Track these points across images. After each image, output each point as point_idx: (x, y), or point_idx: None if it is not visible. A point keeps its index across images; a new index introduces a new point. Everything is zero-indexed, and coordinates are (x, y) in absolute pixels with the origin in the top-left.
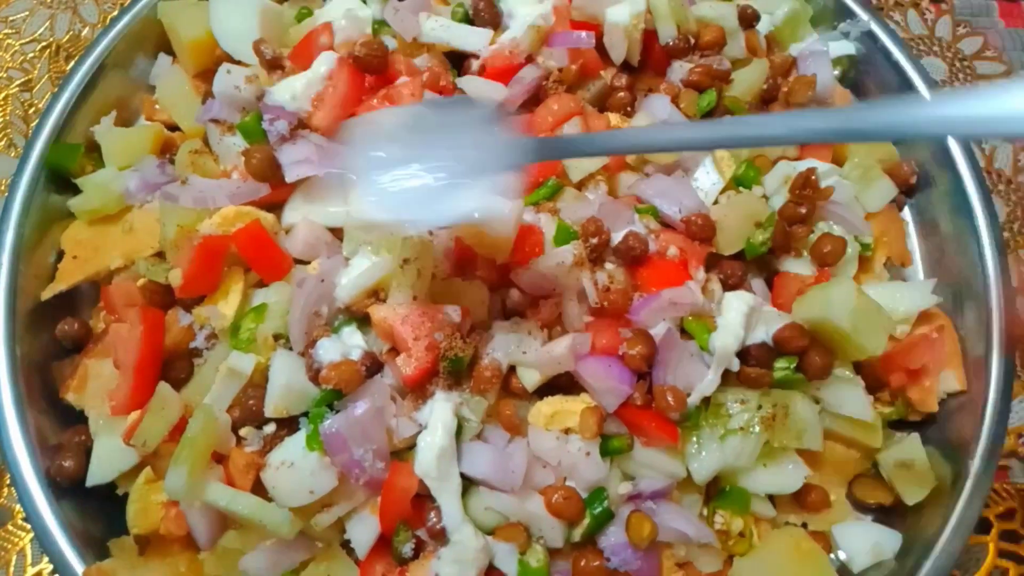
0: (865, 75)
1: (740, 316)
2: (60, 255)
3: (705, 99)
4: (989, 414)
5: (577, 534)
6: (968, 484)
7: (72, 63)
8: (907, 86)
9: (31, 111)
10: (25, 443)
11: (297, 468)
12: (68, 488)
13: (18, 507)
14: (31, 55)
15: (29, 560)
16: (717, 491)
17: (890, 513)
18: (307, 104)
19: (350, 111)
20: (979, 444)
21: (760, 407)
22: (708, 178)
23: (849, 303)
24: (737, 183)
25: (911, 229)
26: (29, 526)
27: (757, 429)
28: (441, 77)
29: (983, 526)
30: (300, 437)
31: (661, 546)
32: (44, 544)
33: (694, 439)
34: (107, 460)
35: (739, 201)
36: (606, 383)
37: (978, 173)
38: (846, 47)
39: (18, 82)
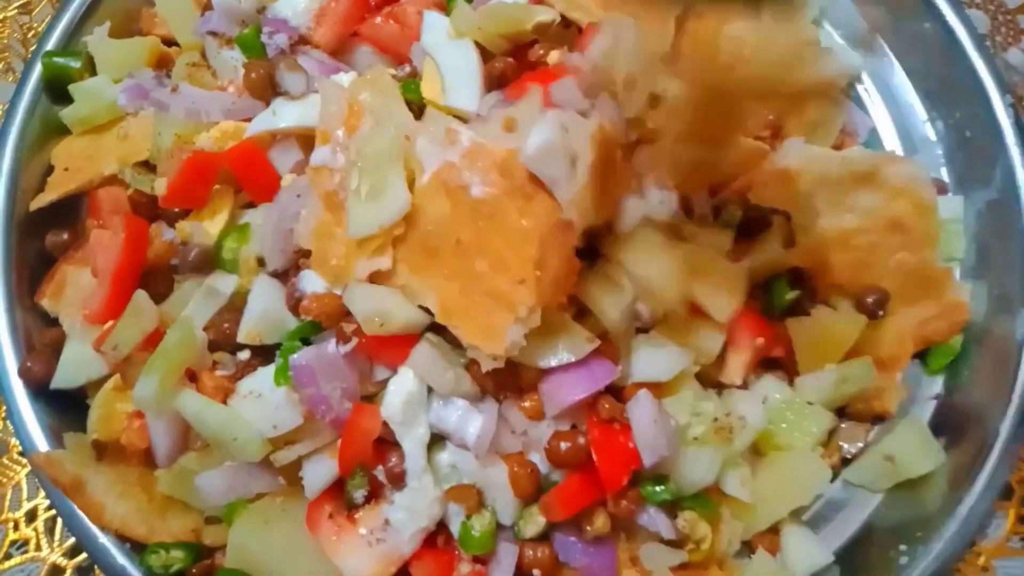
0: (906, 25)
1: None
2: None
3: None
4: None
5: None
6: (996, 448)
7: None
8: (950, 37)
9: (30, 35)
10: (12, 342)
11: (264, 400)
12: (52, 393)
13: (14, 441)
14: None
15: (25, 494)
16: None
17: None
18: (309, 20)
19: (353, 28)
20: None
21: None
22: None
23: None
24: None
25: None
26: (25, 460)
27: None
28: None
29: (1004, 491)
30: (273, 369)
31: (617, 540)
32: (21, 437)
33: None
34: (75, 365)
35: None
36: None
37: None
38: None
39: (16, 4)
